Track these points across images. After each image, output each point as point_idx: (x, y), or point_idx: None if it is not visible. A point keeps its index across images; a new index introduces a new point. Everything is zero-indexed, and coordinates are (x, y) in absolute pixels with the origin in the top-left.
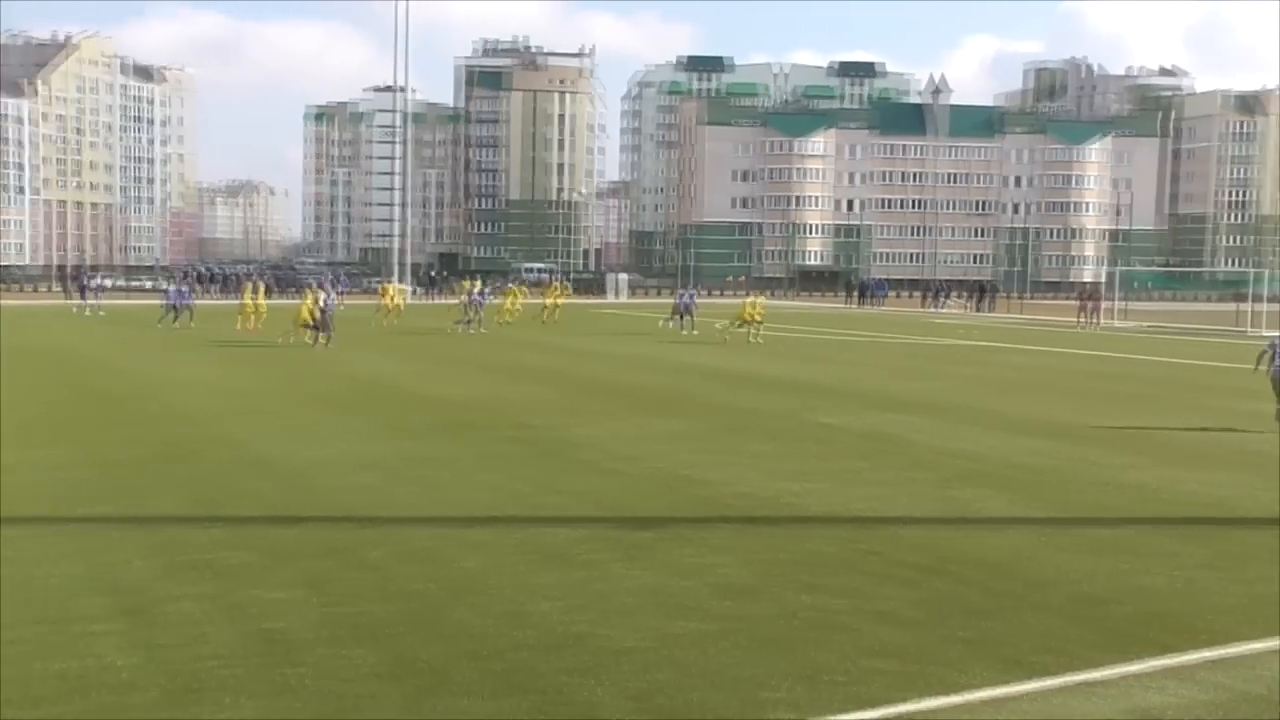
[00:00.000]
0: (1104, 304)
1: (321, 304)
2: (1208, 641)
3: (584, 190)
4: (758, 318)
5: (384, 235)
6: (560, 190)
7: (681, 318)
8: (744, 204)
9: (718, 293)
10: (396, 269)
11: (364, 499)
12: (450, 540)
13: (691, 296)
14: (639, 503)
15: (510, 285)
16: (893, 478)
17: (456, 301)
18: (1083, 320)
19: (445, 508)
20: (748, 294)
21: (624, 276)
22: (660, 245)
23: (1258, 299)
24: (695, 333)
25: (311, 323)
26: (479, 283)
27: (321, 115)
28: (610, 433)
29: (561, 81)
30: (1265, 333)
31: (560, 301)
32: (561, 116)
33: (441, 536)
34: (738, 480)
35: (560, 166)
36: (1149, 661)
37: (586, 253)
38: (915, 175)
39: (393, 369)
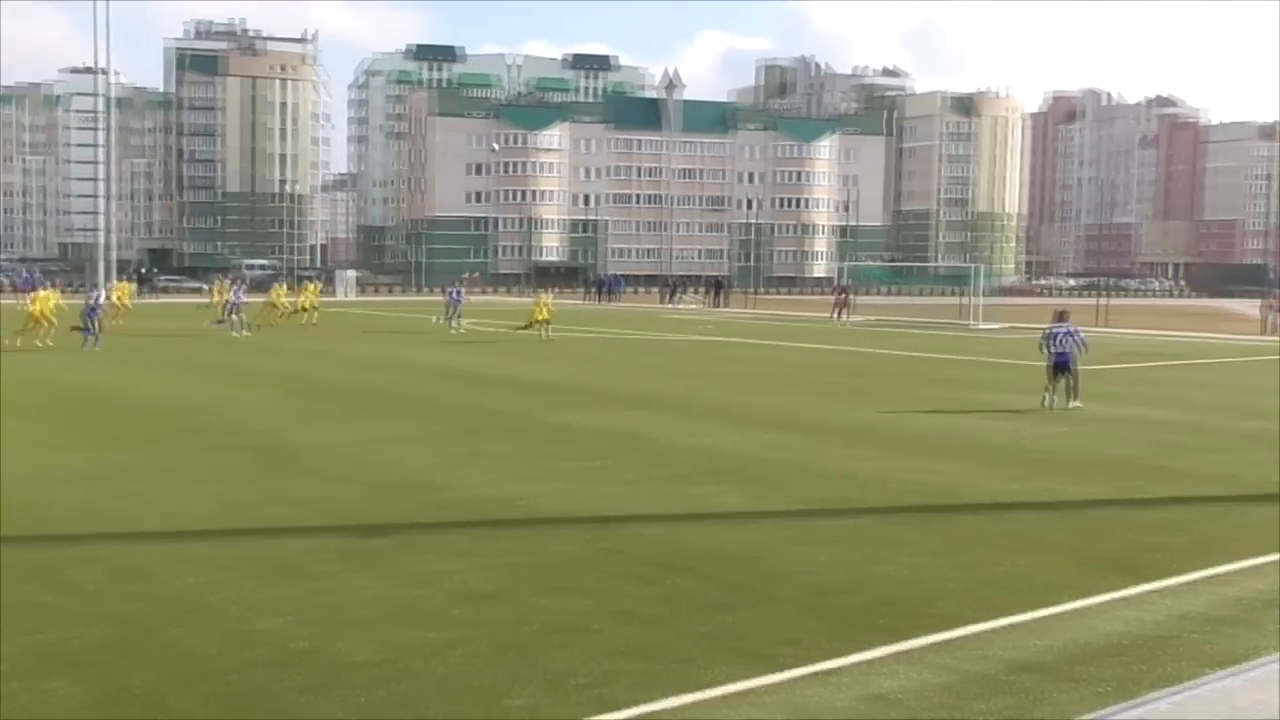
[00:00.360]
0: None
1: (91, 302)
2: (935, 626)
3: (311, 183)
4: (547, 316)
5: (86, 229)
6: (283, 182)
7: (449, 316)
8: (478, 198)
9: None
10: (102, 266)
11: (68, 515)
12: (166, 556)
13: (459, 293)
14: (372, 509)
15: (278, 285)
16: (632, 476)
17: (207, 300)
18: (838, 316)
19: (160, 522)
20: (536, 292)
21: (351, 274)
22: (390, 241)
23: (977, 292)
24: (462, 330)
25: (51, 323)
26: (232, 281)
27: (9, 97)
28: (342, 438)
29: (283, 68)
30: (984, 325)
31: (318, 302)
32: (283, 105)
33: (156, 553)
34: (475, 483)
35: (282, 157)
36: (881, 648)
37: (312, 248)
38: (650, 170)
39: (108, 374)
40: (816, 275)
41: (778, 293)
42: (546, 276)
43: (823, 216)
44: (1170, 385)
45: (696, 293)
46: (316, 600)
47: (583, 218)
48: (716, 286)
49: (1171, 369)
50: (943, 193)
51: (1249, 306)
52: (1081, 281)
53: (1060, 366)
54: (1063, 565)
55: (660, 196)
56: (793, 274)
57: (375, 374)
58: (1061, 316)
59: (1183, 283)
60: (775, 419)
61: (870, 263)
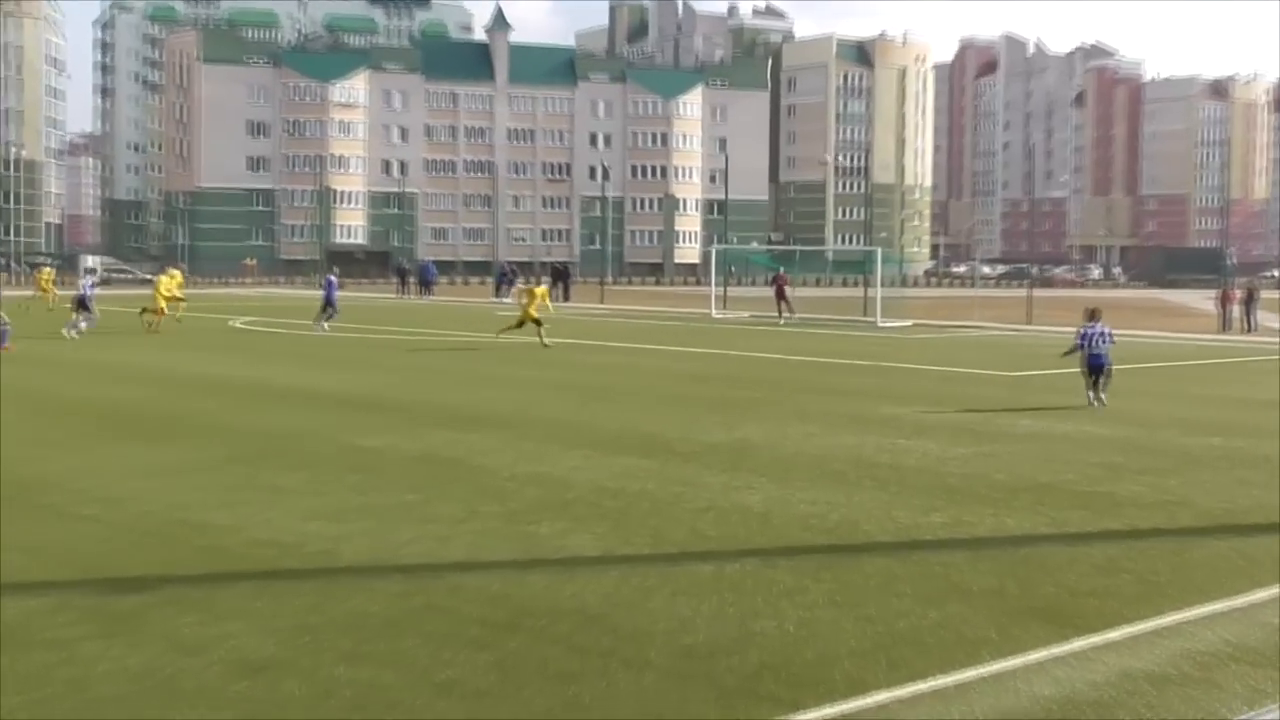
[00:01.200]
0: (721, 290)
1: (82, 290)
2: (835, 693)
3: (44, 146)
4: (534, 315)
5: None
6: (7, 145)
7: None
8: (259, 166)
9: (228, 280)
10: None
11: None
12: None
13: (332, 285)
14: (123, 559)
15: (163, 275)
16: (454, 513)
17: (34, 294)
18: (781, 313)
19: None
20: (535, 283)
21: (95, 259)
22: (147, 219)
23: (880, 282)
24: (327, 329)
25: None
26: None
27: None
28: (87, 466)
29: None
30: (888, 322)
31: (181, 295)
32: (4, 47)
33: None
34: (256, 524)
35: (5, 114)
36: None
37: (48, 227)
38: (475, 131)
39: None
40: (684, 261)
41: (636, 282)
42: (346, 263)
43: (690, 188)
44: (1111, 395)
45: (527, 282)
46: (51, 675)
47: (391, 190)
48: (558, 275)
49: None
50: (837, 159)
51: (1201, 298)
52: (1005, 269)
53: (1096, 368)
54: (986, 615)
55: (487, 164)
56: (655, 259)
57: (132, 386)
58: (1093, 315)
59: (1119, 270)
60: (634, 440)
61: (749, 245)
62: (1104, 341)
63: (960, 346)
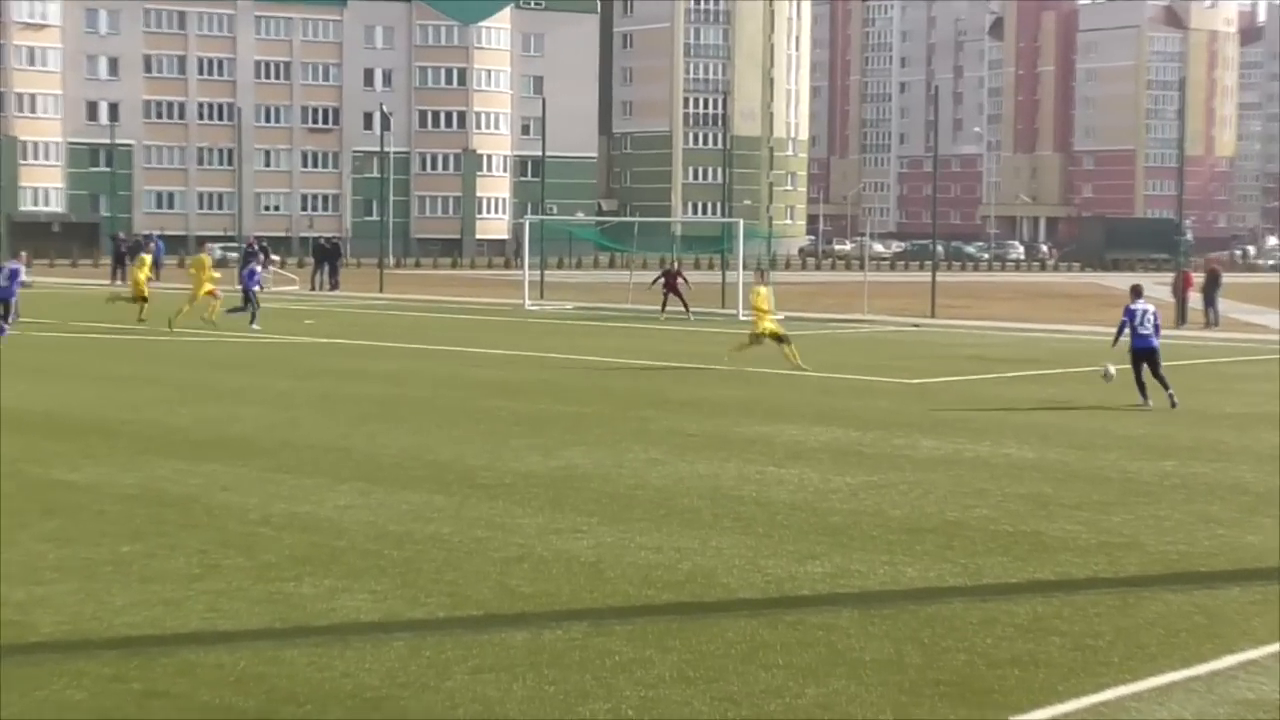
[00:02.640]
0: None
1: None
2: None
3: None
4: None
5: None
6: None
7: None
8: None
9: None
10: None
11: None
12: None
13: (16, 276)
14: None
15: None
16: (187, 568)
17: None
18: (665, 308)
19: None
20: (676, 266)
21: None
22: None
23: (741, 263)
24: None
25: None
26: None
27: None
28: None
29: None
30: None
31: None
32: None
33: None
34: None
35: None
36: None
37: None
38: (212, 64)
39: None
40: (489, 236)
41: (426, 264)
42: (39, 236)
43: (497, 141)
44: (1041, 408)
45: (283, 264)
46: None
47: (98, 141)
48: (323, 254)
49: (1042, 381)
50: (690, 105)
51: (1152, 283)
52: (902, 246)
53: (1143, 352)
54: (880, 692)
55: (228, 107)
56: (451, 234)
57: None
58: (1138, 292)
59: (1046, 247)
60: (424, 470)
61: (573, 217)
62: (1149, 322)
63: (846, 346)
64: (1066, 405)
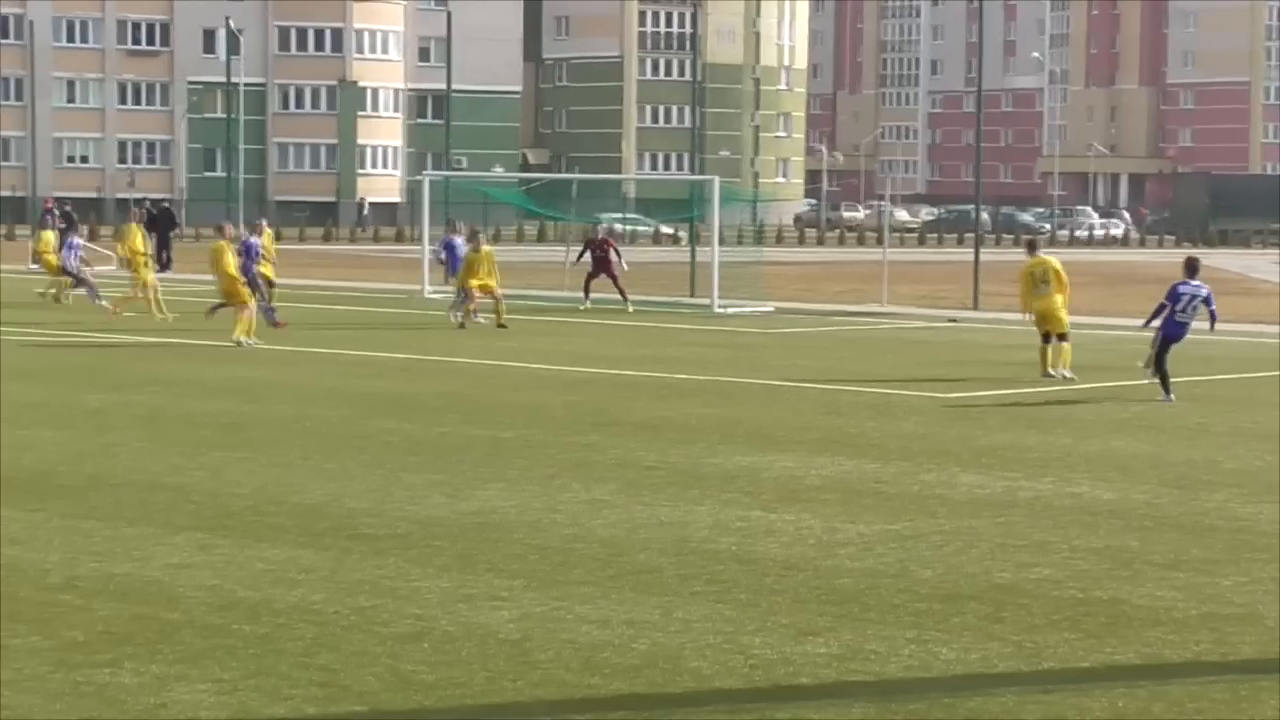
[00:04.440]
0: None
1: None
2: None
3: None
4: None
5: None
6: None
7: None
8: None
9: None
10: None
11: None
12: None
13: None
14: None
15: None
16: None
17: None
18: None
19: None
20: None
21: None
22: None
23: (717, 236)
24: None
25: None
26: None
27: None
28: None
29: None
30: (731, 304)
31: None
32: None
33: None
34: None
35: None
36: None
37: None
38: None
39: None
40: (375, 198)
41: (289, 236)
42: None
43: (385, 70)
44: (1123, 431)
45: (93, 235)
46: None
47: None
48: (153, 222)
49: (1124, 396)
50: (647, 21)
51: (1272, 262)
52: (934, 214)
53: (1176, 341)
54: None
55: (14, 21)
56: (323, 195)
57: None
58: (1193, 268)
59: (1130, 214)
60: (287, 516)
61: (490, 172)
62: (1195, 308)
63: (858, 348)
64: (1157, 427)
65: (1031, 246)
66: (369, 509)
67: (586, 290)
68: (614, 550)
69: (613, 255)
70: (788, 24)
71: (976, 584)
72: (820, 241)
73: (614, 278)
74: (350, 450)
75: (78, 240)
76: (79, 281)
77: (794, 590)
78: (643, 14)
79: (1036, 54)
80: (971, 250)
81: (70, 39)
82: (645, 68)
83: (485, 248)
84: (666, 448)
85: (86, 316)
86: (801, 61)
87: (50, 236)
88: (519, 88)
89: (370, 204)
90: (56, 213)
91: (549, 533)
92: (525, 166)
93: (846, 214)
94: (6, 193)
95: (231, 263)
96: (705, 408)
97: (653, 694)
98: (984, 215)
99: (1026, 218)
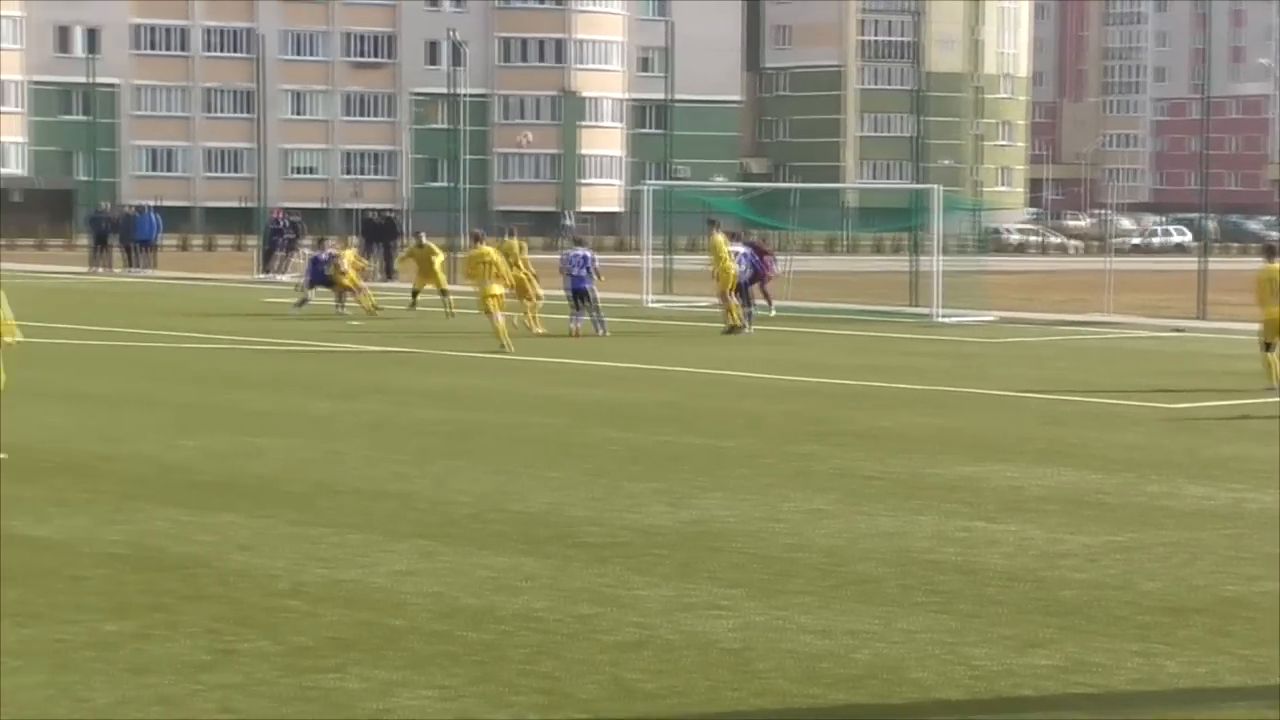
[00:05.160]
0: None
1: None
2: None
3: None
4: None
5: None
6: None
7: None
8: None
9: None
10: None
11: None
12: None
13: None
14: None
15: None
16: (190, 654)
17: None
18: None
19: None
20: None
21: None
22: None
23: (939, 247)
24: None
25: None
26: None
27: None
28: None
29: None
30: (954, 314)
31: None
32: None
33: None
34: None
35: None
36: None
37: None
38: None
39: None
40: (596, 208)
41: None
42: None
43: (606, 80)
44: None
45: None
46: None
47: (72, 80)
48: (374, 233)
49: None
50: (867, 30)
51: None
52: (1159, 222)
53: None
54: None
55: (245, 34)
56: (544, 205)
57: None
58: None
59: None
60: (509, 523)
61: (709, 182)
62: None
63: (1081, 358)
64: None
65: (1270, 253)
66: (591, 517)
67: (752, 298)
68: (835, 560)
69: (767, 260)
70: (1009, 32)
71: (1203, 597)
72: (1043, 250)
73: (764, 281)
74: (572, 459)
75: (323, 254)
76: (340, 292)
77: (1017, 601)
78: (863, 23)
79: (1264, 60)
80: (1196, 260)
81: (297, 52)
82: (865, 76)
83: (484, 246)
84: (886, 458)
85: (310, 325)
86: (1023, 69)
87: (351, 255)
88: (740, 97)
89: (577, 214)
90: (285, 224)
91: (770, 542)
92: (745, 176)
93: (1069, 222)
94: (234, 204)
95: (505, 267)
96: (925, 417)
97: (874, 704)
98: (1210, 224)
99: (1254, 225)
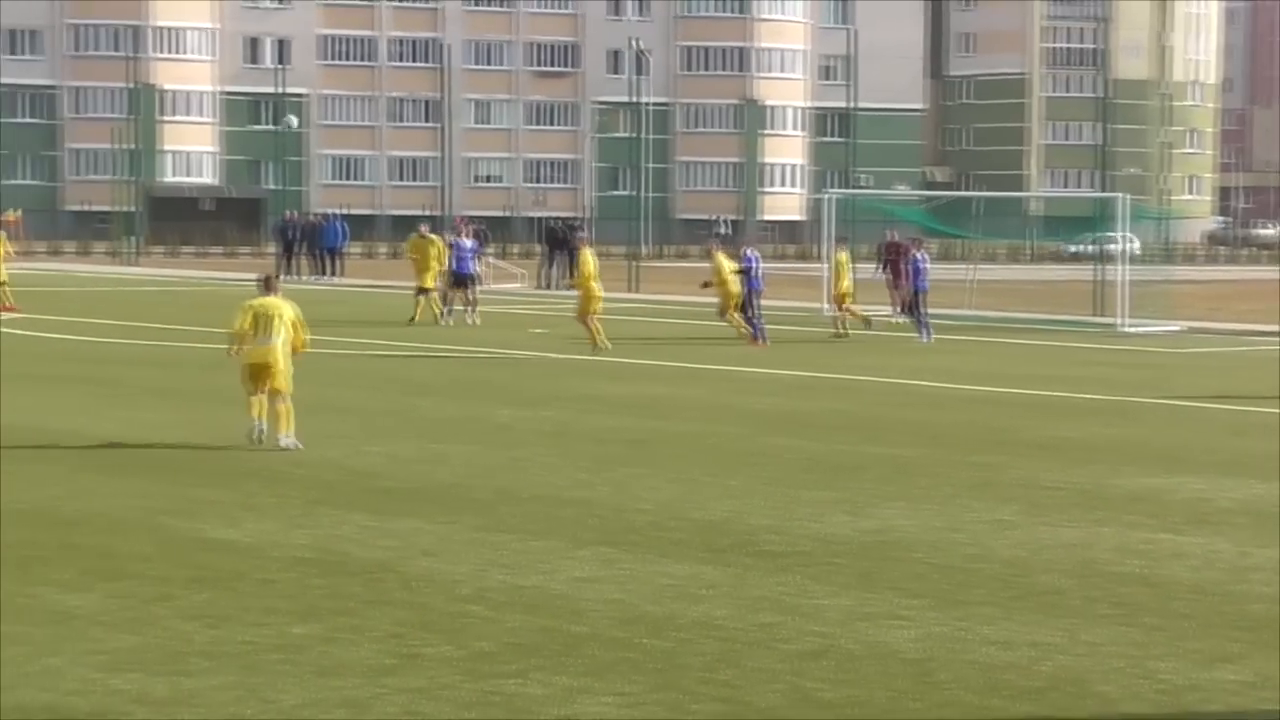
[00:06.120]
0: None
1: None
2: None
3: None
4: None
5: None
6: None
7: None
8: (27, 45)
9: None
10: None
11: None
12: None
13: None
14: None
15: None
16: (374, 658)
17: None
18: (900, 309)
19: None
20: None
21: None
22: None
23: (1125, 254)
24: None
25: None
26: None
27: None
28: None
29: None
30: (1146, 326)
31: None
32: None
33: None
34: (15, 680)
35: None
36: None
37: None
38: None
39: None
40: (776, 217)
41: (694, 254)
42: (185, 215)
43: (788, 89)
44: None
45: (503, 254)
46: None
47: (261, 91)
48: (556, 242)
49: None
50: (1052, 38)
51: None
52: None
53: None
54: None
55: (431, 44)
56: (726, 213)
57: None
58: None
59: None
60: (688, 531)
61: (891, 190)
62: None
63: (1268, 368)
64: None
65: None
66: (770, 526)
67: (892, 300)
68: (1017, 571)
69: (903, 263)
70: (1199, 38)
71: None
72: (1231, 259)
73: (897, 283)
74: (751, 467)
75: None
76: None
77: (1204, 615)
78: (1047, 30)
79: None
80: None
81: (481, 61)
82: (1050, 84)
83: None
84: (1069, 468)
85: (491, 334)
86: (1213, 76)
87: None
88: (921, 105)
89: (771, 222)
90: (468, 230)
91: (950, 552)
92: (928, 184)
93: (1259, 231)
94: (419, 212)
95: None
96: (1108, 428)
97: (1057, 717)
98: None
99: None
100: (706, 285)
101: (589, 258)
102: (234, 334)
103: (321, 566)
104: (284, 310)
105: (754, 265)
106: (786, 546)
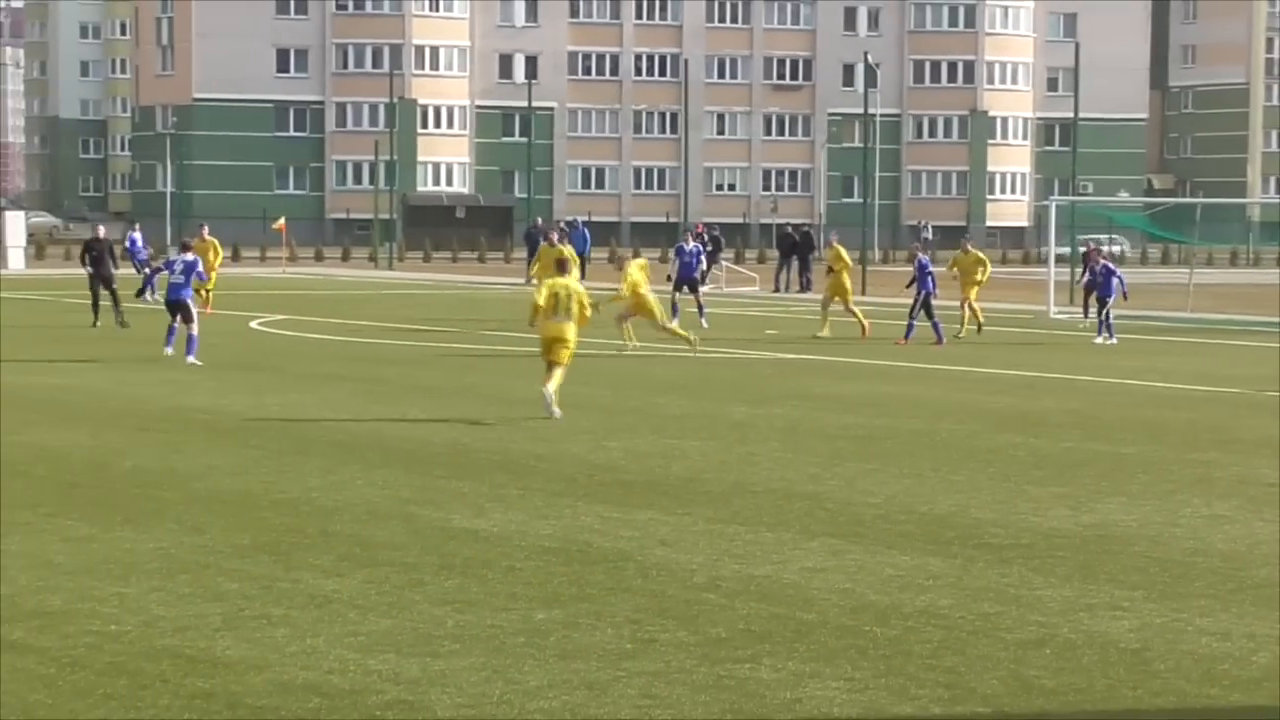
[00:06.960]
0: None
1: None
2: None
3: None
4: None
5: None
6: None
7: None
8: (295, 64)
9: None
10: None
11: None
12: None
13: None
14: (63, 714)
15: None
16: (614, 642)
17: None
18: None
19: None
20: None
21: (21, 216)
22: (111, 150)
23: None
24: None
25: None
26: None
27: None
28: (12, 556)
29: None
30: None
31: None
32: None
33: None
34: (287, 658)
35: None
36: None
37: None
38: (649, 5)
39: None
40: (1003, 223)
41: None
42: (440, 222)
43: (1014, 100)
44: None
45: (739, 258)
46: None
47: (512, 104)
48: (791, 247)
49: None
50: (1275, 48)
51: None
52: None
53: None
54: None
55: (672, 59)
56: (954, 219)
57: (81, 427)
58: None
59: None
60: (913, 524)
61: (1114, 197)
62: None
63: None
64: None
65: None
66: (994, 519)
67: (1085, 307)
68: (1234, 564)
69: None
70: None
71: None
72: None
73: (1090, 291)
74: (977, 463)
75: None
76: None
77: None
78: (1270, 40)
79: None
80: None
81: (720, 75)
82: (1273, 94)
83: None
84: None
85: (726, 334)
86: None
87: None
88: (1144, 115)
89: (996, 227)
90: (705, 237)
91: (1169, 546)
92: (1150, 191)
93: None
94: (660, 219)
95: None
96: None
97: (1273, 706)
98: None
99: None
100: (910, 285)
101: (841, 253)
102: (534, 307)
103: (564, 555)
104: (576, 290)
105: (927, 267)
106: (1009, 539)
